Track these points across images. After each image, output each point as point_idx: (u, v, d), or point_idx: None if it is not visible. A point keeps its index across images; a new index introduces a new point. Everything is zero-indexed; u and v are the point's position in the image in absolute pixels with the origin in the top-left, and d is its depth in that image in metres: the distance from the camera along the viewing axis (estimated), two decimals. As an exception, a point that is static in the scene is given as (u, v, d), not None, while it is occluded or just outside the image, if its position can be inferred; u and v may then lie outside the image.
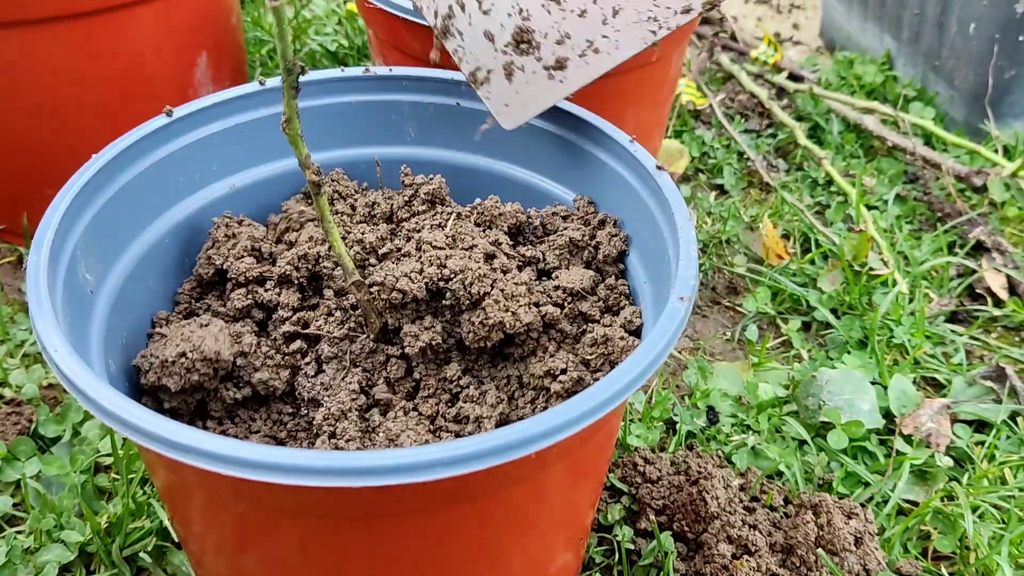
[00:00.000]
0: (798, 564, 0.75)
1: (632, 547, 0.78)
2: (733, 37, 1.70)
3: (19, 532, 0.75)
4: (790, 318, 1.08)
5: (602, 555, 0.79)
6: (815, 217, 1.23)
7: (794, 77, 1.51)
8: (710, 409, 0.94)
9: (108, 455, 0.81)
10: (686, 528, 0.77)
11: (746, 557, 0.74)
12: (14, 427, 0.83)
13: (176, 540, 0.75)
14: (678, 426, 0.90)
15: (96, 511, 0.76)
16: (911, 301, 1.09)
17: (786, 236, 1.21)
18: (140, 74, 0.96)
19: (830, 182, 1.31)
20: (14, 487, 0.79)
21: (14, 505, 0.78)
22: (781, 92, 1.50)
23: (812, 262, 1.15)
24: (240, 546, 0.60)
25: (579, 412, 0.47)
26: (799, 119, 1.43)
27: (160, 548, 0.74)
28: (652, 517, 0.75)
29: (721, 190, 1.32)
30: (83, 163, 0.63)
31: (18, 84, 0.92)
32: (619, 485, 0.82)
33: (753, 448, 0.88)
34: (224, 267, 0.67)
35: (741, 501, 0.80)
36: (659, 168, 0.65)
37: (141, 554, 0.73)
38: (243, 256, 0.67)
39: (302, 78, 0.57)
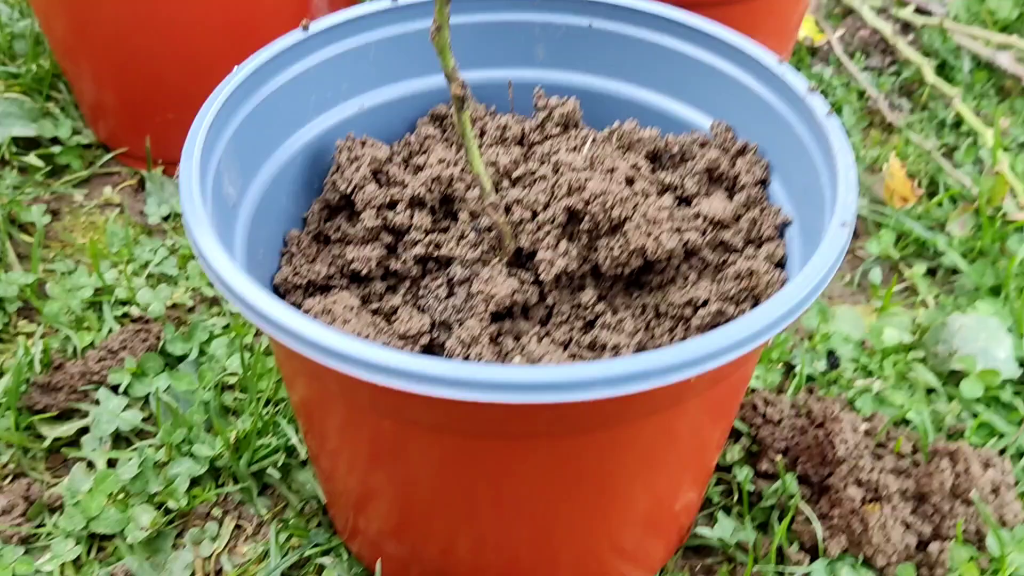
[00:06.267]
0: (931, 512, 0.72)
1: (752, 488, 0.76)
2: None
3: (150, 445, 0.77)
4: (915, 262, 1.03)
5: (720, 495, 0.77)
6: (942, 159, 1.17)
7: (921, 11, 1.43)
8: (830, 353, 0.90)
9: (233, 374, 0.82)
10: (810, 471, 0.75)
11: (877, 502, 0.71)
12: (143, 344, 0.85)
13: (303, 459, 0.77)
14: (798, 369, 0.87)
15: (224, 427, 0.77)
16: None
17: (911, 178, 1.15)
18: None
19: (958, 123, 1.24)
20: (143, 402, 0.82)
21: (143, 419, 0.80)
22: (907, 27, 1.42)
23: (940, 205, 1.09)
24: (374, 461, 0.61)
25: (742, 336, 0.46)
26: (926, 56, 1.36)
27: (286, 465, 0.76)
28: (778, 458, 0.73)
29: (840, 130, 1.26)
30: (205, 86, 0.63)
31: (143, 7, 0.93)
32: (739, 426, 0.80)
33: (878, 394, 0.85)
34: (349, 192, 0.67)
35: (868, 447, 0.77)
36: (812, 90, 0.62)
37: (269, 470, 0.75)
38: (367, 182, 0.67)
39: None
